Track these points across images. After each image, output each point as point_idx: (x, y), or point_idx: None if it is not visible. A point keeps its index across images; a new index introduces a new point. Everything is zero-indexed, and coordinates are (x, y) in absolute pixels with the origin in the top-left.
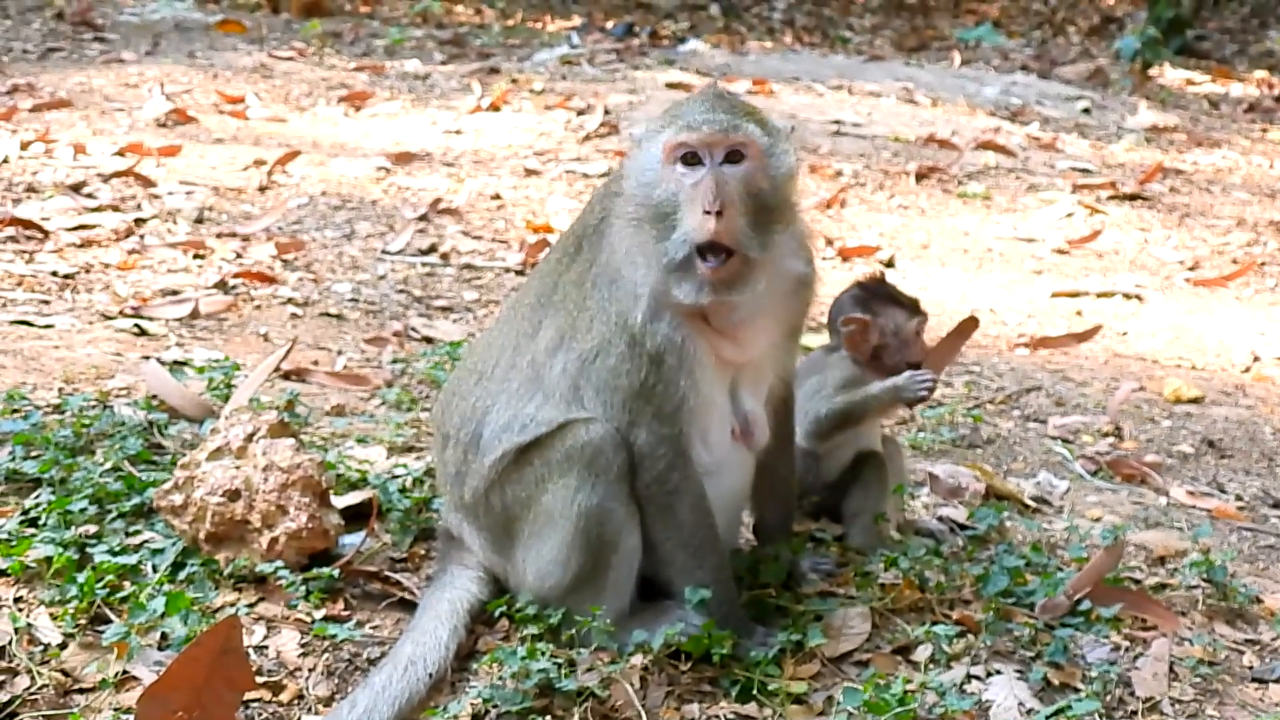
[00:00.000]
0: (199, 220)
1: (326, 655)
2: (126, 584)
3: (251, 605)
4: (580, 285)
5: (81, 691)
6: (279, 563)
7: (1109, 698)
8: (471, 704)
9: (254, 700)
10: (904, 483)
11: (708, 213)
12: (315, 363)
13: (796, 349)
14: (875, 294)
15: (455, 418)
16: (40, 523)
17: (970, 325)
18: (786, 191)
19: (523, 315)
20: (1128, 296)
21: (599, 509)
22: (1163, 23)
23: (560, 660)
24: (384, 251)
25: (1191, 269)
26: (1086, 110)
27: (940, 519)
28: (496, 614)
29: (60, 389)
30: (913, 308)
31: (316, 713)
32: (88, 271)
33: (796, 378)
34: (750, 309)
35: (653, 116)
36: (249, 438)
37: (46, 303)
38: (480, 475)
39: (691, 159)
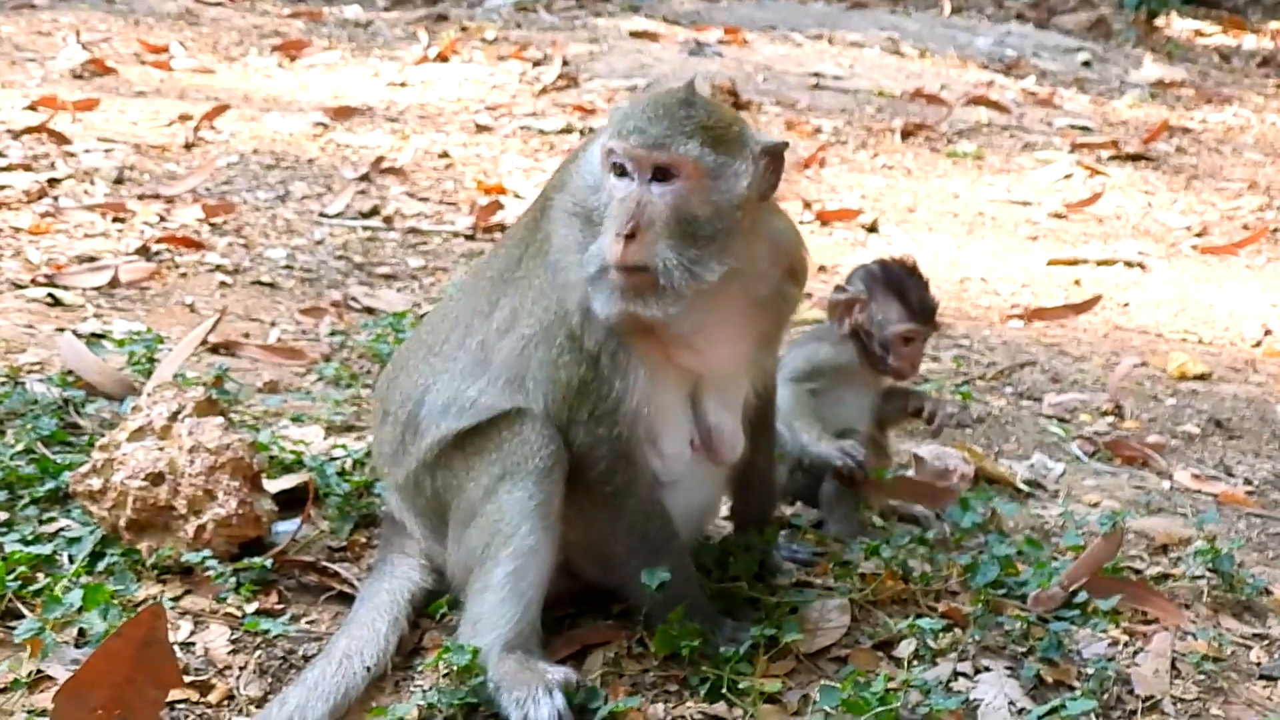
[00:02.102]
0: (119, 181)
1: (259, 652)
2: (40, 576)
3: (177, 599)
4: (534, 260)
5: None
6: (206, 552)
7: (1106, 696)
8: (418, 706)
9: (180, 701)
10: (886, 466)
11: (619, 235)
12: (246, 335)
13: (774, 359)
14: (887, 279)
15: (397, 394)
16: None
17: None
18: (732, 218)
19: (482, 290)
20: (1130, 265)
21: (510, 501)
22: None
23: None
24: (321, 214)
25: (1199, 235)
26: (1087, 63)
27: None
28: (441, 611)
29: None
30: (919, 314)
31: (247, 714)
32: None
33: (801, 342)
34: (703, 319)
35: (630, 100)
36: (173, 416)
37: None
38: (416, 457)
39: (621, 170)
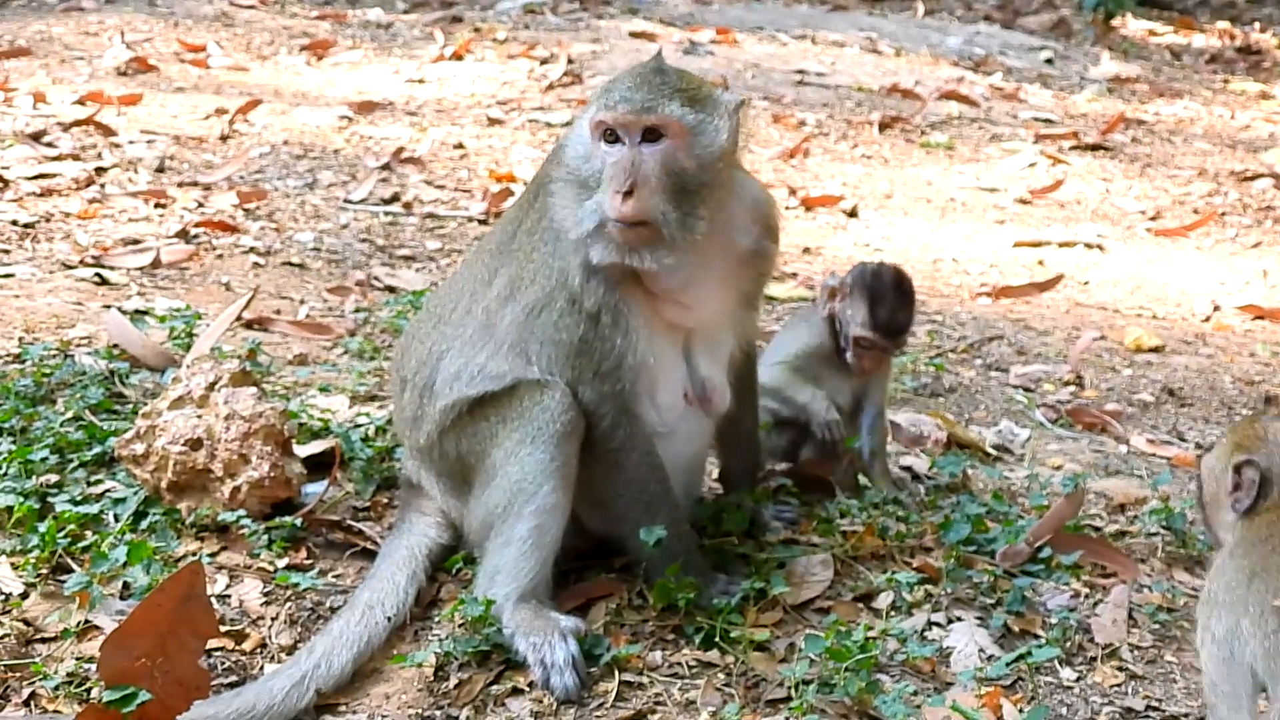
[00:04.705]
0: (160, 169)
1: (289, 604)
2: (88, 533)
3: (214, 554)
4: (532, 235)
5: (43, 641)
6: (241, 512)
7: (1069, 644)
8: (435, 653)
9: (217, 649)
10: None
11: (618, 192)
12: (277, 312)
13: (756, 317)
14: (871, 283)
15: (412, 361)
16: (1, 472)
17: None
18: (715, 170)
19: (483, 261)
20: (1089, 246)
21: (534, 463)
22: None
23: None
24: (346, 201)
25: (1153, 219)
26: (1049, 61)
27: (902, 468)
28: (457, 566)
29: (20, 338)
30: (878, 326)
31: (279, 661)
32: (48, 221)
33: (789, 325)
34: (691, 275)
35: (608, 78)
36: (211, 387)
37: (6, 252)
38: (433, 420)
39: (612, 137)
